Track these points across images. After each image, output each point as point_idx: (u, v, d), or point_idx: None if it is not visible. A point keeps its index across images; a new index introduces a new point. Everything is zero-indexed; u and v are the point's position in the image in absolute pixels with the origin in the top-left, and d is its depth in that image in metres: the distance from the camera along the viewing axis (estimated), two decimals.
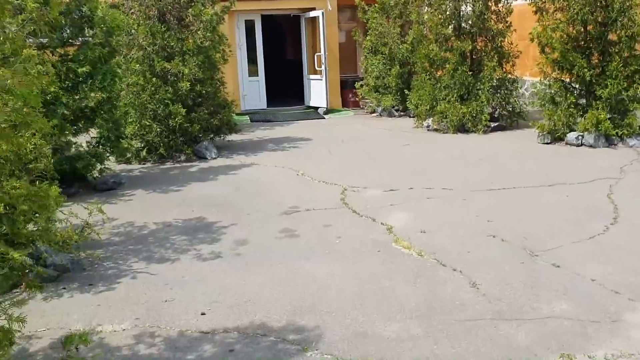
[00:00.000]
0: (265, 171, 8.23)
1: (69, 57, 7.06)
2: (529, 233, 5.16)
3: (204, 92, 9.28)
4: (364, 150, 9.54)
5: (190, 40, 9.22)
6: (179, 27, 9.35)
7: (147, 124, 8.83)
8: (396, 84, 13.00)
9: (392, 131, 11.36)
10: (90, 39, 7.24)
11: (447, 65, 10.92)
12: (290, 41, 19.31)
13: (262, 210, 6.26)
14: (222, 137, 10.16)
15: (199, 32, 9.38)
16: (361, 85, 14.03)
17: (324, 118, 13.95)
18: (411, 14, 12.83)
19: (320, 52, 14.24)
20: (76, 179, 7.34)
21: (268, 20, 15.50)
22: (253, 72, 14.78)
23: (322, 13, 13.97)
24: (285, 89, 17.48)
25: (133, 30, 8.98)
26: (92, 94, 6.92)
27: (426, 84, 11.09)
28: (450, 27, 11.04)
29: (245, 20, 14.57)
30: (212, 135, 9.95)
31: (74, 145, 7.09)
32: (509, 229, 5.31)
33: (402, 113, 13.38)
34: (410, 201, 6.37)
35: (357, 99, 14.93)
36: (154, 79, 8.84)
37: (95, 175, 7.39)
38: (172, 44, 9.12)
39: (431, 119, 11.05)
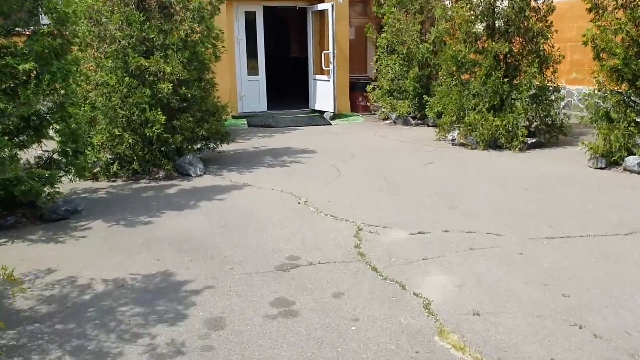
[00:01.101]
0: (260, 196, 6.66)
1: (9, 50, 5.49)
2: (631, 321, 3.59)
3: (189, 95, 7.70)
4: (379, 168, 7.96)
5: (175, 33, 7.63)
6: (161, 17, 7.77)
7: (118, 133, 7.25)
8: (414, 88, 11.41)
9: (410, 144, 9.79)
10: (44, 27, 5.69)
11: (478, 70, 9.35)
12: (294, 37, 17.74)
13: (251, 261, 4.69)
14: (210, 149, 8.59)
15: (184, 23, 7.80)
16: (373, 88, 12.45)
17: (331, 124, 12.38)
18: (434, 9, 11.28)
19: (328, 49, 12.66)
20: (19, 205, 5.78)
21: (271, 13, 13.92)
22: (253, 71, 13.22)
23: (332, 6, 12.38)
24: (288, 89, 15.94)
25: (104, 19, 7.40)
26: (36, 98, 5.34)
27: (452, 90, 9.51)
28: (481, 25, 9.45)
29: (246, 12, 13.00)
30: (199, 146, 8.38)
31: (14, 164, 5.49)
32: (597, 311, 3.74)
33: (419, 121, 11.80)
34: (448, 253, 4.80)
35: (367, 103, 13.36)
36: (127, 79, 7.26)
37: (43, 201, 5.82)
38: (153, 36, 7.54)
39: (457, 131, 9.47)
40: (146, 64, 7.35)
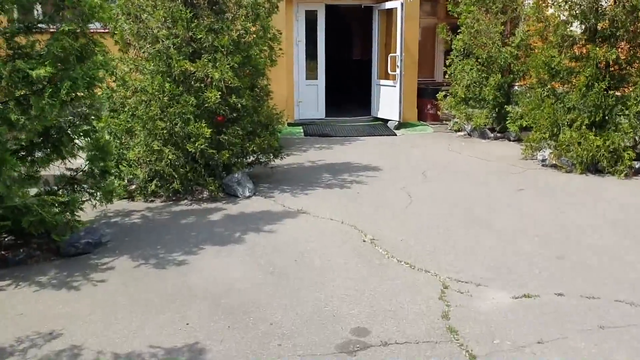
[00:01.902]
0: (317, 230, 5.54)
1: (25, 51, 4.58)
2: None
3: (239, 105, 6.67)
4: (459, 195, 6.72)
5: (226, 34, 6.61)
6: (211, 14, 6.77)
7: (157, 147, 6.29)
8: (494, 97, 10.04)
9: (491, 162, 8.46)
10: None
11: (575, 80, 7.94)
12: (358, 38, 16.60)
13: (306, 333, 3.57)
14: (262, 164, 7.56)
15: (237, 22, 6.78)
16: (445, 96, 11.12)
17: (395, 135, 11.15)
18: (519, 8, 9.93)
19: (395, 52, 11.44)
20: (33, 235, 4.86)
21: (333, 12, 12.81)
22: (311, 74, 12.12)
23: (402, 4, 11.14)
24: (349, 95, 14.81)
25: (145, 15, 6.46)
26: (52, 110, 4.39)
27: (545, 102, 8.12)
28: (579, 27, 8.04)
29: (306, 11, 11.91)
30: (250, 160, 7.37)
31: (25, 187, 4.57)
32: None
33: (498, 135, 10.42)
34: (570, 332, 3.55)
35: (437, 111, 12.04)
36: (168, 85, 6.29)
37: (59, 232, 4.85)
38: (200, 36, 6.54)
39: (548, 150, 8.09)
40: (192, 68, 6.36)
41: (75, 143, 4.91)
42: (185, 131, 6.36)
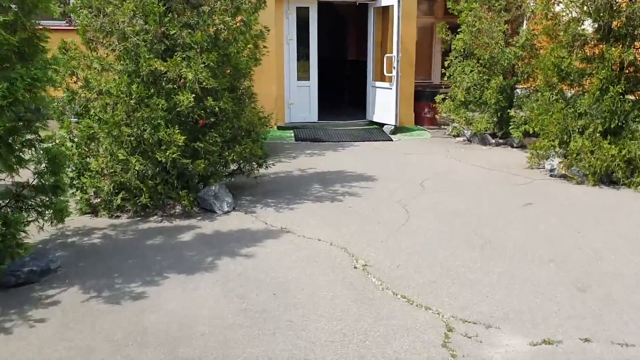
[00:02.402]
0: (302, 253, 4.85)
1: None
2: None
3: (217, 109, 5.98)
4: (461, 209, 6.05)
5: (201, 29, 5.93)
6: (187, 7, 6.09)
7: (122, 157, 5.58)
8: (497, 101, 9.38)
9: (494, 172, 7.80)
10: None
11: (587, 83, 7.29)
12: (352, 37, 15.91)
13: None
14: (245, 173, 6.87)
15: (215, 16, 6.09)
16: (443, 99, 10.45)
17: (392, 140, 10.48)
18: (523, 5, 9.29)
19: (391, 52, 10.77)
20: None
21: (326, 9, 12.13)
22: (303, 75, 11.43)
23: (398, 1, 10.48)
24: (343, 97, 14.14)
25: (111, 8, 5.75)
26: None
27: (554, 107, 7.46)
28: (592, 25, 7.38)
29: (297, 8, 11.23)
30: (231, 169, 6.69)
31: None
32: None
33: (500, 140, 9.76)
34: None
35: (435, 115, 11.39)
36: (135, 86, 5.59)
37: None
38: (174, 32, 5.84)
39: (557, 159, 7.43)
40: (162, 67, 5.66)
41: (19, 155, 4.21)
42: (155, 138, 5.66)
